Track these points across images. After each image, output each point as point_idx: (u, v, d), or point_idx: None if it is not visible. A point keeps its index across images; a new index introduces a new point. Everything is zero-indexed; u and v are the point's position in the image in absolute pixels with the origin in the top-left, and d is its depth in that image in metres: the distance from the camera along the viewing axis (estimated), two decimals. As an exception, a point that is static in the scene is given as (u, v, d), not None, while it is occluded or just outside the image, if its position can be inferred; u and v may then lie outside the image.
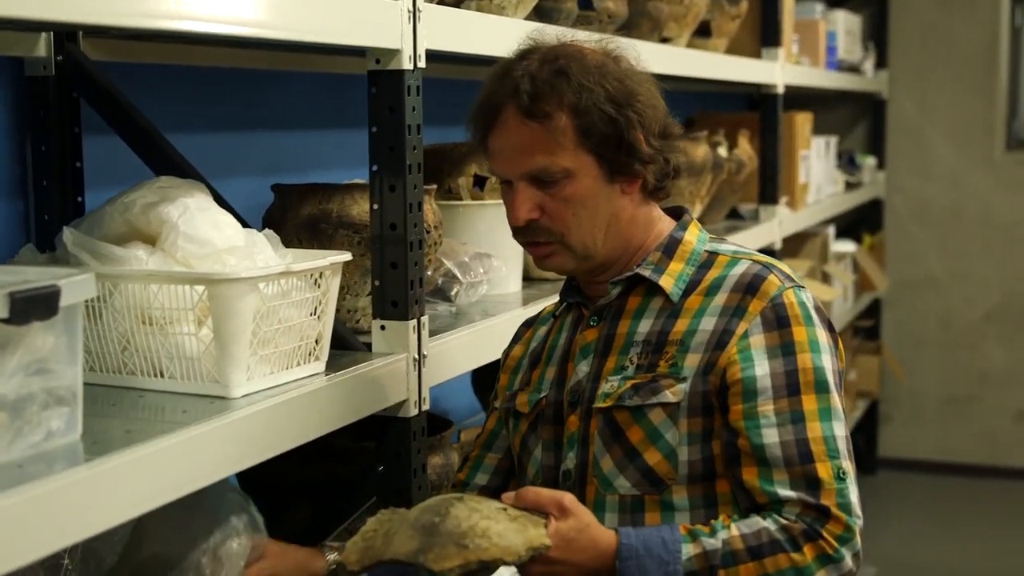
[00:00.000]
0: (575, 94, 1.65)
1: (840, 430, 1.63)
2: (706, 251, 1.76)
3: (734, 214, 4.16)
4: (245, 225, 1.73)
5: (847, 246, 5.46)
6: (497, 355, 2.16)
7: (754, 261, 1.73)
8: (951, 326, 6.04)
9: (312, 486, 1.96)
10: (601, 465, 1.68)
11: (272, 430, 1.56)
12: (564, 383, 1.77)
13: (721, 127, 4.01)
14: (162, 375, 1.59)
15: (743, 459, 1.61)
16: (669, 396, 1.65)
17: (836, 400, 1.64)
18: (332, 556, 1.75)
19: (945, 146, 5.98)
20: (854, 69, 5.49)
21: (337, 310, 1.75)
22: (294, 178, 2.16)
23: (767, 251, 3.35)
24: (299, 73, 2.46)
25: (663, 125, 1.72)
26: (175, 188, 1.69)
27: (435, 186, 2.10)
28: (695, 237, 1.78)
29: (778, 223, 4.02)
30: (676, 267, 1.74)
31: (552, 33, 1.77)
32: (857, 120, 6.15)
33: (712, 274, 1.72)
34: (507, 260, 2.38)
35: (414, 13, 1.83)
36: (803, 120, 4.49)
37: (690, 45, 3.42)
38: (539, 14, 2.51)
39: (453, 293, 2.17)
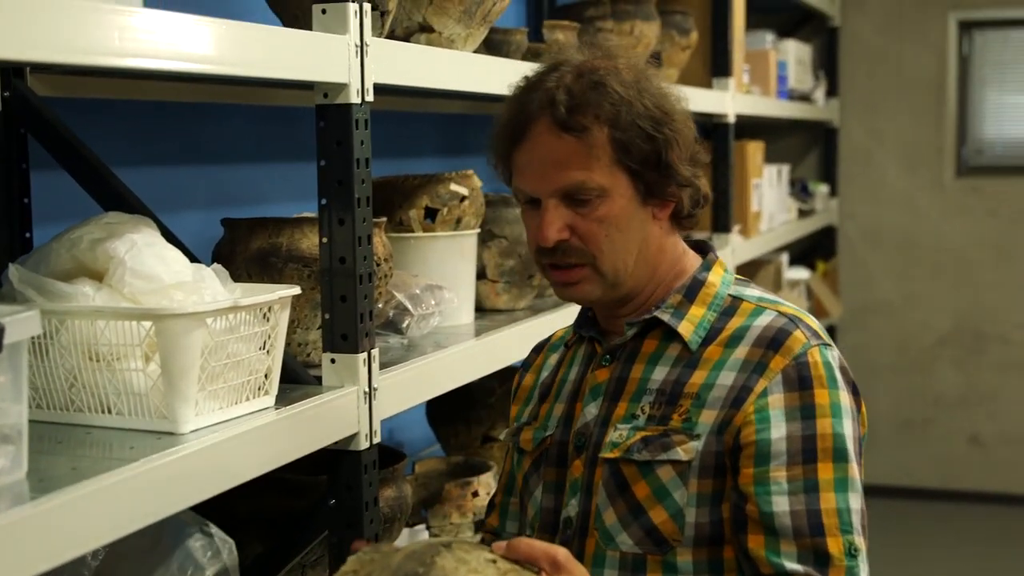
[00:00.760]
0: (614, 108, 1.57)
1: (856, 503, 1.53)
2: (730, 295, 1.67)
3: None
4: (193, 260, 1.73)
5: (801, 273, 5.50)
6: (449, 387, 2.17)
7: (780, 313, 1.62)
8: (905, 351, 6.09)
9: (264, 520, 1.95)
10: (604, 518, 1.60)
11: (222, 465, 1.55)
12: (571, 423, 1.69)
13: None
14: (110, 411, 1.58)
15: (750, 526, 1.52)
16: (680, 454, 1.56)
17: (854, 470, 1.55)
18: None
19: (896, 173, 6.05)
20: (805, 98, 5.55)
21: (287, 344, 1.75)
22: (243, 212, 2.16)
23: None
24: (247, 106, 2.47)
25: (694, 150, 1.65)
26: (122, 224, 1.69)
27: (385, 219, 2.10)
28: (719, 279, 1.69)
29: (731, 251, 4.05)
30: (697, 312, 1.64)
31: (571, 51, 1.69)
32: (809, 148, 6.22)
33: (735, 323, 1.63)
34: (459, 291, 2.38)
35: (362, 48, 1.83)
36: (755, 149, 4.53)
37: (641, 76, 3.44)
38: (489, 47, 2.53)
39: (404, 325, 2.18)
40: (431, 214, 2.38)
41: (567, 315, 2.64)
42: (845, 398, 1.57)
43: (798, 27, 5.92)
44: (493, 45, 2.56)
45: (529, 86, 1.64)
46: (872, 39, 6.05)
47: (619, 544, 1.59)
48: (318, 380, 1.87)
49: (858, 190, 6.12)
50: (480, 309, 2.55)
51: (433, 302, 2.22)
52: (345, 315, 1.84)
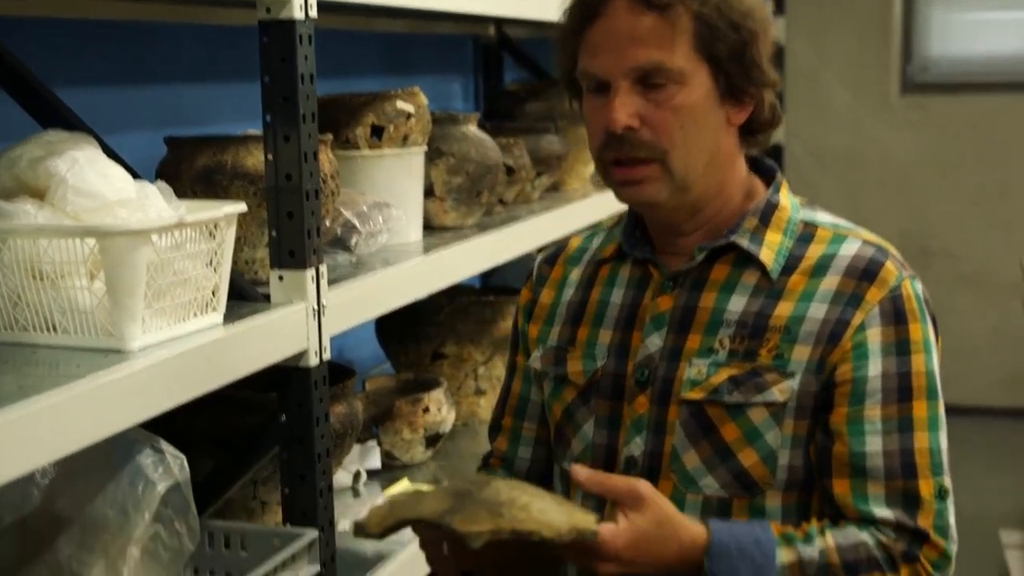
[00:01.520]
0: None
1: (945, 443, 1.49)
2: (802, 221, 1.58)
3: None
4: (137, 178, 1.72)
5: (748, 192, 5.53)
6: (398, 304, 2.17)
7: (865, 241, 1.55)
8: (851, 268, 6.14)
9: (214, 437, 1.96)
10: (683, 460, 1.51)
11: (170, 382, 1.55)
12: (627, 354, 1.58)
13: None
14: (55, 330, 1.57)
15: (836, 468, 1.46)
16: (776, 395, 1.47)
17: (942, 408, 1.51)
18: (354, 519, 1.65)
19: (842, 92, 6.07)
20: (752, 16, 5.54)
21: (235, 261, 1.74)
22: (188, 131, 2.14)
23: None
24: (190, 25, 2.43)
25: (772, 53, 1.53)
26: (63, 142, 1.67)
27: (331, 136, 2.09)
28: (789, 203, 1.59)
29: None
30: (774, 238, 1.54)
31: None
32: (756, 67, 6.21)
33: (816, 251, 1.54)
34: (407, 209, 2.38)
35: (303, -39, 1.81)
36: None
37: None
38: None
39: (352, 243, 2.17)
40: (377, 132, 2.36)
41: (517, 232, 2.65)
42: (932, 333, 1.53)
43: (745, -55, 5.89)
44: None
45: None
46: (819, -43, 6.05)
47: (703, 487, 1.50)
48: (266, 297, 1.87)
49: (804, 109, 6.14)
50: (428, 227, 2.55)
51: (381, 219, 2.22)
52: (292, 232, 1.84)
